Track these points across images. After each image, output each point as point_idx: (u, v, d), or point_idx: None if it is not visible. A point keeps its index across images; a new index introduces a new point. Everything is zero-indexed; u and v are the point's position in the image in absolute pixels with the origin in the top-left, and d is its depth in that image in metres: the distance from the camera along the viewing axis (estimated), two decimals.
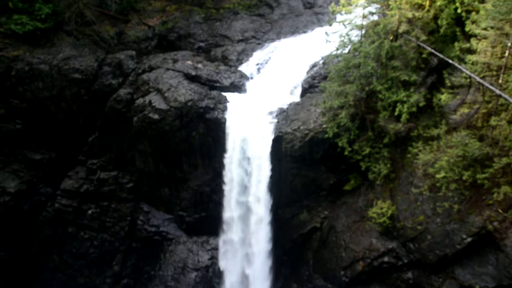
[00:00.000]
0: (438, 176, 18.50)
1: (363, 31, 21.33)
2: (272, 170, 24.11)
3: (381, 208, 21.15)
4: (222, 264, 27.08)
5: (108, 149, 28.10)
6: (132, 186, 28.26)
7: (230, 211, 25.98)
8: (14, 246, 29.07)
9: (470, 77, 17.56)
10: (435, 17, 20.14)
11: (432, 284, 19.99)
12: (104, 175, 28.32)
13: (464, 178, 18.10)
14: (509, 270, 17.54)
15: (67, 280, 29.40)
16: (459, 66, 17.58)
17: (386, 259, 21.34)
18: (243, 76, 27.02)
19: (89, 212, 28.67)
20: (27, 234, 29.18)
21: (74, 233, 28.93)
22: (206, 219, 27.46)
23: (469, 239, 18.58)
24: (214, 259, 27.32)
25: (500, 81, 17.13)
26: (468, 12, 18.70)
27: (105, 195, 28.46)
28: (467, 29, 18.28)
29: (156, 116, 25.22)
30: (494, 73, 17.46)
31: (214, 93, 25.85)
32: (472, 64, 17.65)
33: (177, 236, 28.12)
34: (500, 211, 17.95)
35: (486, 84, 16.31)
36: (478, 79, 16.44)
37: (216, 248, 27.37)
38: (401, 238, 20.88)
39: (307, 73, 25.96)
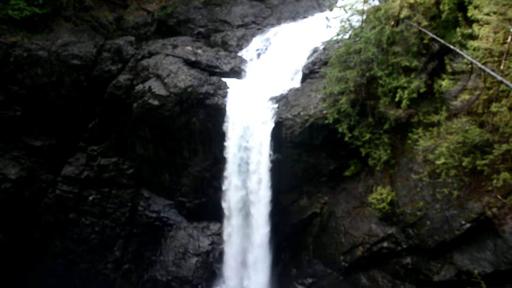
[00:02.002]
0: (438, 162, 18.44)
1: (364, 16, 21.09)
2: (272, 155, 24.09)
3: (381, 194, 21.17)
4: (223, 249, 27.28)
5: (108, 135, 28.08)
6: (133, 172, 28.32)
7: (230, 196, 26.02)
8: (16, 232, 29.22)
9: (471, 63, 17.44)
10: (437, 2, 19.85)
11: (431, 269, 20.12)
12: (104, 162, 28.36)
13: (464, 164, 18.05)
14: (507, 256, 17.63)
15: (69, 265, 29.67)
16: (460, 52, 17.38)
17: (385, 244, 21.42)
18: (243, 62, 26.83)
19: (90, 198, 28.79)
20: (28, 221, 29.35)
21: (75, 219, 29.08)
22: (207, 204, 27.58)
23: (468, 225, 18.63)
24: (214, 244, 27.52)
25: (501, 67, 16.98)
26: None
27: (106, 181, 28.55)
28: (469, 14, 18.05)
29: (156, 102, 25.13)
30: (496, 59, 17.29)
31: (214, 78, 25.70)
32: (474, 50, 17.45)
33: (177, 222, 28.28)
34: (499, 197, 17.97)
35: (488, 70, 16.15)
36: (479, 65, 16.28)
37: (216, 234, 27.55)
38: (400, 223, 20.96)
39: (308, 58, 25.73)
